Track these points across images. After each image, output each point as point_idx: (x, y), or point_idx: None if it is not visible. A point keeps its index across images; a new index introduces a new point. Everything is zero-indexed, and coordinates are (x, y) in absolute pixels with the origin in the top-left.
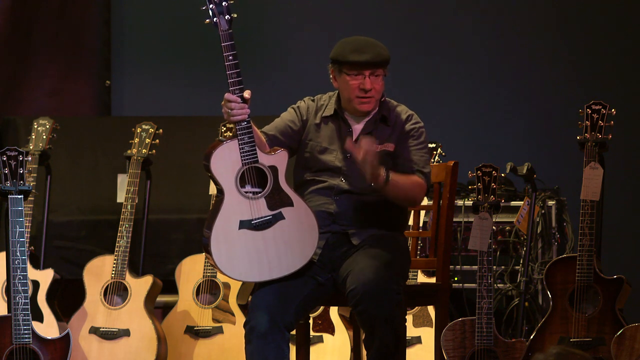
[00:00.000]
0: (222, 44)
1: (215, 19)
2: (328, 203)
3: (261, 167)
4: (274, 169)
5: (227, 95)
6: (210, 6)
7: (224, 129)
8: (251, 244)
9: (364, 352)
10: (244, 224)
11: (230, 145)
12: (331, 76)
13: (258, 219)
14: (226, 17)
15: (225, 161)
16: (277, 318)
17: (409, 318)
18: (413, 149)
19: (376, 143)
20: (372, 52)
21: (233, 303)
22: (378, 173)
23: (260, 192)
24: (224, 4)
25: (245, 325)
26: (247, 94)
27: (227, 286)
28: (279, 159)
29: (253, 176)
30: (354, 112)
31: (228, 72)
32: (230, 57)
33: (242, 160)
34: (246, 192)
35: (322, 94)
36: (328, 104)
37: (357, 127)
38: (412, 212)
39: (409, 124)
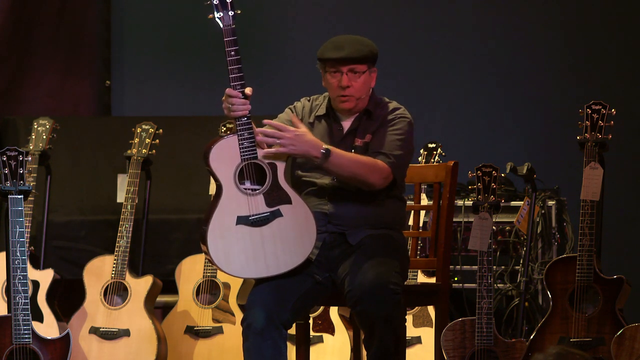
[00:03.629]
0: (225, 39)
1: (218, 14)
2: (322, 203)
3: (260, 163)
4: (273, 166)
5: (229, 91)
6: (214, 1)
7: (224, 128)
8: (248, 240)
9: (364, 352)
10: (242, 220)
11: (230, 141)
12: (322, 75)
13: (256, 215)
14: (230, 13)
15: (224, 156)
16: (274, 315)
17: (409, 318)
18: (385, 133)
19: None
20: (350, 48)
21: (233, 303)
22: (314, 145)
23: (258, 189)
24: None
25: (242, 323)
26: (248, 90)
27: (227, 286)
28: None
29: (252, 172)
30: (339, 111)
31: (230, 68)
32: (233, 53)
33: (241, 155)
34: (245, 188)
35: (319, 94)
36: (322, 103)
37: (346, 124)
38: (412, 212)
39: (390, 115)
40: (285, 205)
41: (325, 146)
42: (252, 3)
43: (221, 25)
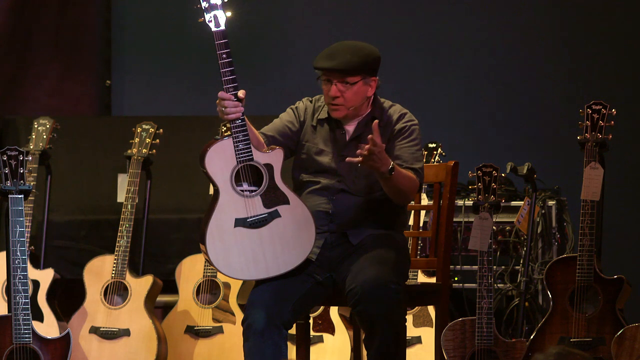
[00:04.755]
0: (216, 42)
1: (208, 17)
2: (325, 203)
3: (256, 165)
4: (269, 167)
5: (221, 94)
6: (204, 4)
7: (224, 128)
8: (247, 242)
9: (364, 352)
10: (239, 222)
11: (225, 144)
12: None
13: (253, 217)
14: (220, 16)
15: (220, 159)
16: (274, 316)
17: (409, 318)
18: (403, 146)
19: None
20: (341, 59)
21: (233, 303)
22: (385, 162)
23: (255, 190)
24: (217, 2)
25: (243, 323)
26: (241, 93)
27: (227, 286)
28: (275, 157)
29: (248, 174)
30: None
31: (222, 71)
32: (224, 56)
33: (237, 158)
34: (242, 190)
35: (321, 94)
36: (324, 105)
37: (349, 129)
38: (412, 212)
39: (400, 123)
40: (283, 205)
41: (392, 163)
42: (251, 3)
43: (212, 29)
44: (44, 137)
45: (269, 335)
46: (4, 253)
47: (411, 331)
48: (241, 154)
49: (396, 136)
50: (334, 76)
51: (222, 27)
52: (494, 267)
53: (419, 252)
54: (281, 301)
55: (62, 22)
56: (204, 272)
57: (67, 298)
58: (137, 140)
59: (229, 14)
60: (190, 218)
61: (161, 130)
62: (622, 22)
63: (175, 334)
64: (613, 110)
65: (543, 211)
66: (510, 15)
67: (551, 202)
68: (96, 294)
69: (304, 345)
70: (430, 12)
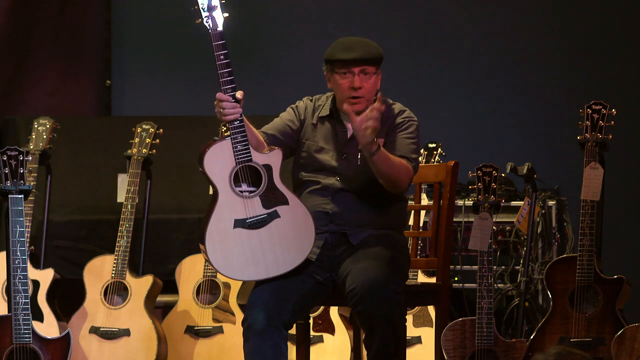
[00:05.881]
0: (213, 44)
1: (205, 19)
2: (325, 203)
3: (255, 165)
4: (268, 168)
5: (219, 95)
6: (202, 5)
7: (224, 129)
8: (246, 243)
9: (364, 352)
10: (239, 223)
11: (224, 145)
12: (326, 77)
13: (253, 217)
14: (217, 17)
15: (219, 160)
16: (274, 316)
17: (409, 318)
18: (399, 137)
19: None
20: (361, 50)
21: (233, 303)
22: (372, 139)
23: (254, 191)
24: (214, 3)
25: (243, 323)
26: (239, 94)
27: (227, 286)
28: (273, 158)
29: (247, 175)
30: (345, 112)
31: (220, 72)
32: (222, 57)
33: (235, 159)
34: (241, 191)
35: (321, 94)
36: (325, 104)
37: (350, 126)
38: (412, 212)
39: (399, 117)
40: (283, 206)
41: (379, 145)
42: (249, 4)
43: (209, 30)
44: (44, 137)
45: (269, 335)
46: (4, 253)
47: (411, 331)
48: (240, 154)
49: (394, 128)
50: (356, 67)
51: (220, 28)
52: (494, 267)
53: (419, 252)
54: (281, 301)
55: (62, 22)
56: (204, 272)
57: (67, 298)
58: (137, 140)
59: (226, 14)
60: (190, 218)
61: (161, 130)
62: (622, 22)
63: (175, 334)
64: (613, 110)
65: (543, 211)
66: (511, 15)
67: (551, 202)
68: (96, 294)
69: (304, 345)
70: (430, 12)
